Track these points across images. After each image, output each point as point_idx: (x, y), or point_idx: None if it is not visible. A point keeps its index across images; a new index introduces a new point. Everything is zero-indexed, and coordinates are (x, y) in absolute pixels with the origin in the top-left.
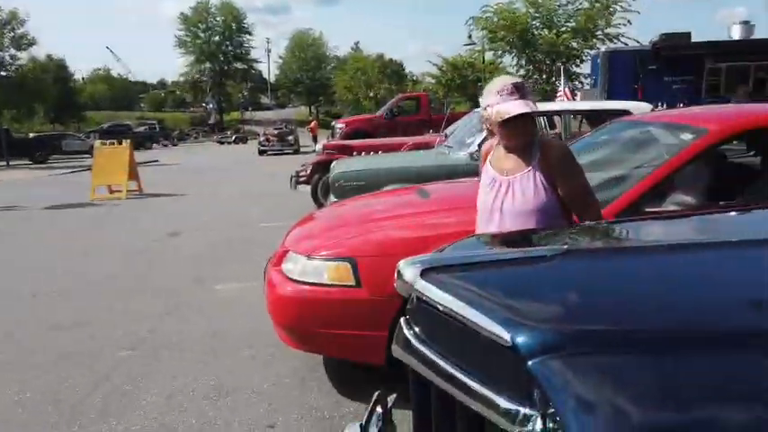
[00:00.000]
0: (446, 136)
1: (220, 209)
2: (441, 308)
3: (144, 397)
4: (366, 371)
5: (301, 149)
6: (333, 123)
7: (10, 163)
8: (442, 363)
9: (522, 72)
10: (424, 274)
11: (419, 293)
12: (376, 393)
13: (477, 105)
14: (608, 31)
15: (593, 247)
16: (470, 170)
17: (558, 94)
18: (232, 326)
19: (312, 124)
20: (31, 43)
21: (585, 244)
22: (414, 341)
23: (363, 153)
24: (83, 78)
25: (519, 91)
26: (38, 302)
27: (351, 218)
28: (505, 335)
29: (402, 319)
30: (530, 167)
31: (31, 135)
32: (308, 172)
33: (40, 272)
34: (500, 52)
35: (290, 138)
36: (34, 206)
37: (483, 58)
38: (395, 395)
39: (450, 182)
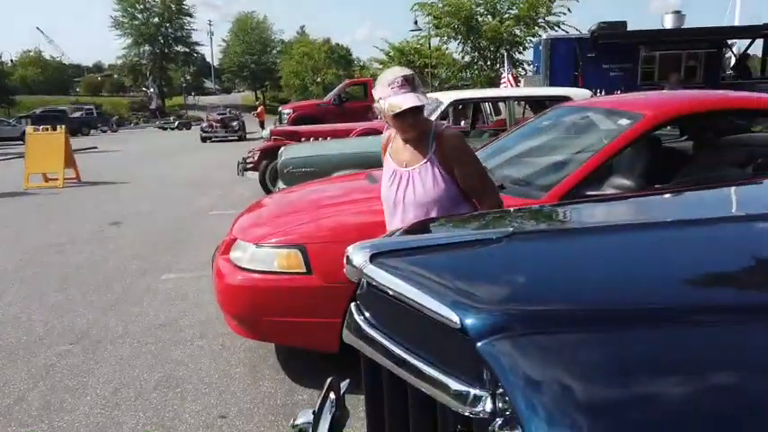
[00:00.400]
0: None
1: (165, 197)
2: (390, 292)
3: (88, 392)
4: (319, 358)
5: (247, 136)
6: (280, 109)
7: None
8: (392, 347)
9: (467, 59)
10: (374, 258)
11: (368, 278)
12: (329, 380)
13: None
14: (549, 18)
15: (539, 228)
16: None
17: (503, 81)
18: (180, 317)
19: (259, 110)
20: None
21: (531, 226)
22: (364, 326)
23: (312, 139)
24: (12, 61)
25: (409, 84)
26: None
27: (300, 204)
28: (454, 317)
29: (352, 305)
30: (427, 159)
31: None
32: (256, 158)
33: None
34: (445, 38)
35: (235, 124)
36: None
37: (429, 44)
38: (348, 381)
39: None
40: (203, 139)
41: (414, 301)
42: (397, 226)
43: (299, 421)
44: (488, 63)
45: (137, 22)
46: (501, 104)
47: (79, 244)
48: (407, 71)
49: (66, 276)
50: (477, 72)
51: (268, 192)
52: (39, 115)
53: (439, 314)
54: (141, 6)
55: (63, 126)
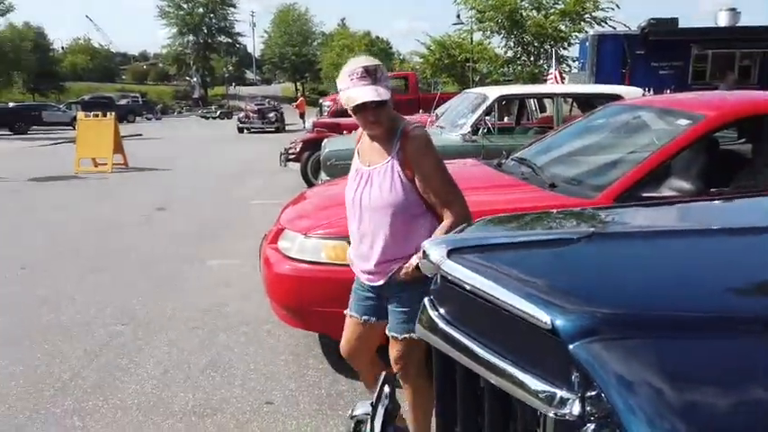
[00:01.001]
0: (437, 116)
1: (207, 185)
2: (469, 288)
3: (139, 371)
4: None
5: (286, 127)
6: (320, 101)
7: None
8: (470, 343)
9: (509, 54)
10: (451, 253)
11: (446, 274)
12: (383, 373)
13: (466, 85)
14: (596, 14)
15: (619, 230)
16: (463, 151)
17: (549, 77)
18: (225, 302)
19: (299, 101)
20: (8, 10)
21: (610, 227)
22: (439, 322)
23: (354, 132)
24: (62, 48)
25: (370, 75)
26: (27, 276)
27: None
28: (545, 318)
29: (426, 300)
30: (389, 159)
31: (11, 105)
32: (298, 149)
33: (28, 245)
34: (488, 33)
35: (272, 115)
36: (19, 178)
37: (471, 38)
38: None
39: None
40: (240, 130)
41: (497, 298)
42: (354, 231)
43: (357, 412)
44: (532, 59)
45: (182, 12)
46: (547, 101)
47: (128, 227)
48: (372, 61)
49: (117, 259)
50: (519, 68)
51: (309, 183)
52: (87, 102)
53: (527, 314)
54: None
55: (113, 113)
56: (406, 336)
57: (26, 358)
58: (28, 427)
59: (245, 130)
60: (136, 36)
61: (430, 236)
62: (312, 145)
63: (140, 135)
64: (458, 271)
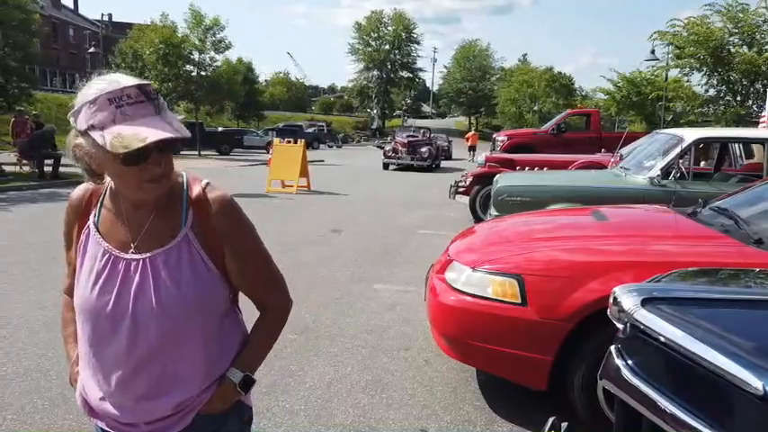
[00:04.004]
0: (621, 156)
1: (378, 211)
2: (663, 341)
3: (307, 380)
4: (521, 392)
5: (453, 160)
6: (494, 136)
7: (201, 153)
8: (660, 398)
9: (712, 92)
10: (645, 303)
11: (637, 323)
12: (550, 420)
13: (655, 125)
14: None
15: None
16: (649, 196)
17: (762, 120)
18: (389, 325)
19: (471, 134)
20: (228, 47)
21: None
22: (626, 372)
23: (527, 168)
24: (265, 81)
25: (150, 99)
26: None
27: (518, 234)
28: (756, 383)
29: (612, 348)
30: (180, 237)
31: (220, 129)
32: (468, 183)
33: None
34: (687, 69)
35: (425, 150)
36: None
37: (666, 75)
38: (567, 424)
39: (629, 207)
40: (384, 166)
41: (695, 354)
42: (113, 358)
43: None
44: (738, 99)
45: (369, 49)
46: (756, 147)
47: (307, 245)
48: (139, 79)
49: (295, 273)
50: (722, 108)
51: (477, 217)
52: (281, 129)
53: (733, 375)
54: (375, 35)
55: (302, 140)
56: None
57: None
58: None
59: (390, 166)
60: (327, 71)
61: (242, 339)
62: (483, 179)
63: (322, 161)
64: (652, 322)
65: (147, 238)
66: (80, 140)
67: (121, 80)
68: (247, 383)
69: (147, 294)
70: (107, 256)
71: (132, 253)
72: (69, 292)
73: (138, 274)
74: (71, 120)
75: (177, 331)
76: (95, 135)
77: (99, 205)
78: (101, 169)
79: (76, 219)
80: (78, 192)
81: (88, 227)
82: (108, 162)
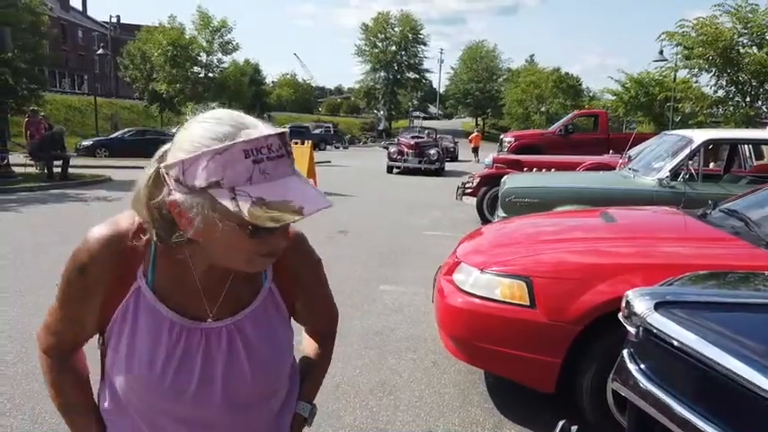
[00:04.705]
0: (629, 158)
1: (385, 213)
2: (676, 345)
3: None
4: (529, 394)
5: (458, 162)
6: (501, 137)
7: None
8: (672, 402)
9: (721, 93)
10: (658, 307)
11: (650, 326)
12: (560, 423)
13: (663, 126)
14: None
15: None
16: (658, 197)
17: None
18: (396, 327)
19: (474, 135)
20: (235, 49)
21: None
22: (639, 377)
23: (534, 169)
24: (272, 82)
25: (288, 153)
26: None
27: (526, 235)
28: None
29: (625, 352)
30: (265, 289)
31: None
32: (475, 184)
33: None
34: (696, 70)
35: (433, 152)
36: None
37: (675, 75)
38: (576, 427)
39: (638, 208)
40: (389, 169)
41: (708, 358)
42: (212, 421)
43: None
44: (747, 99)
45: (376, 50)
46: (765, 148)
47: (313, 246)
48: (277, 127)
49: None
50: (732, 109)
51: (484, 218)
52: (287, 130)
53: (745, 378)
54: (382, 36)
55: (310, 141)
56: None
57: None
58: None
59: (395, 169)
60: (333, 72)
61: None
62: (490, 181)
63: (329, 162)
64: (665, 325)
65: (228, 302)
66: (179, 197)
67: (247, 122)
68: (313, 415)
69: (240, 363)
70: (177, 328)
71: (211, 321)
72: (56, 353)
73: (224, 343)
74: (163, 168)
75: (275, 383)
76: (222, 197)
77: (151, 263)
78: (202, 236)
79: (109, 274)
80: (109, 238)
81: (137, 290)
82: (225, 231)
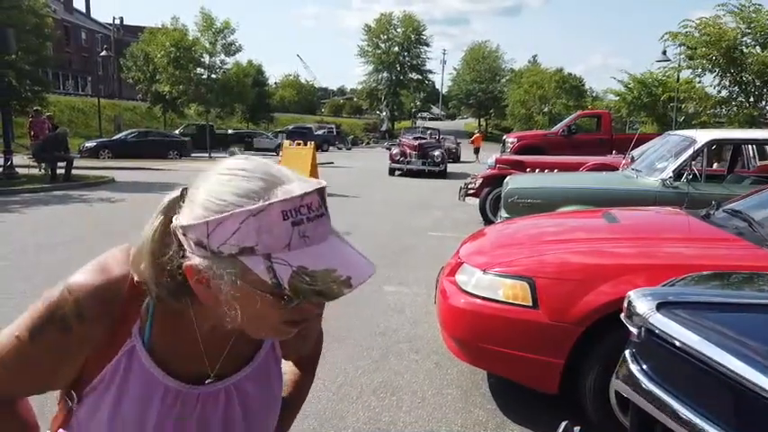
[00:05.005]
0: (632, 158)
1: (387, 213)
2: (678, 345)
3: (317, 383)
4: (531, 395)
5: (457, 163)
6: (504, 137)
7: (211, 155)
8: (675, 403)
9: (724, 93)
10: (660, 307)
11: (652, 327)
12: (563, 424)
13: (667, 126)
14: None
15: None
16: (661, 198)
17: None
18: (398, 327)
19: (475, 136)
20: (238, 50)
21: None
22: (641, 377)
23: (537, 170)
24: (275, 83)
25: (327, 210)
26: None
27: (528, 236)
28: None
29: (627, 353)
30: (267, 344)
31: (230, 132)
32: (478, 185)
33: None
34: (699, 70)
35: (437, 153)
36: None
37: (678, 76)
38: (579, 428)
39: (641, 209)
40: (391, 171)
41: (711, 359)
42: None
43: None
44: (751, 100)
45: (379, 51)
46: None
47: None
48: (317, 182)
49: None
50: (735, 109)
51: (486, 219)
52: (291, 131)
53: (748, 379)
54: (385, 36)
55: (312, 142)
56: None
57: None
58: None
59: (397, 172)
60: (336, 73)
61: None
62: (492, 181)
63: (332, 163)
64: (667, 326)
65: (229, 360)
66: (199, 262)
67: (280, 175)
68: None
69: (236, 423)
70: (172, 394)
71: (210, 382)
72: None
73: (221, 405)
74: (181, 230)
75: (269, 425)
76: (255, 266)
77: (148, 321)
78: (224, 305)
79: (100, 333)
80: (103, 291)
81: (131, 349)
82: (254, 300)
